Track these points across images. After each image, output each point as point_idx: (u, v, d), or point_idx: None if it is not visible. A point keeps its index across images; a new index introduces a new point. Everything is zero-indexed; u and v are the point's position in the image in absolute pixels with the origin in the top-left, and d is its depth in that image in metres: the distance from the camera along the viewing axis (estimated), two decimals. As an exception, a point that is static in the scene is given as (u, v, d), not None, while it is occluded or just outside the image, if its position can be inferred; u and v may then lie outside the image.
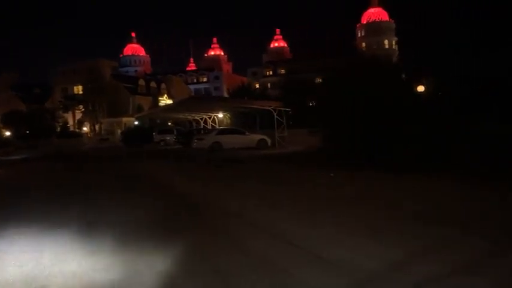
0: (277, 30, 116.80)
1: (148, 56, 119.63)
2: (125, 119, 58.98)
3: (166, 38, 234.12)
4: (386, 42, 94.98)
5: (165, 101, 66.61)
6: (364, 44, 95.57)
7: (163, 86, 75.42)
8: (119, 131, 55.22)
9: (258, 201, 8.25)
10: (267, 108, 24.57)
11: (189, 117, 38.68)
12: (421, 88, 20.57)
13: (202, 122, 36.62)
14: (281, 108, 24.42)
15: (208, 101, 26.39)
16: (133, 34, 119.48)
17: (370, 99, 12.39)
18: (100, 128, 63.47)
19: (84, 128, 65.78)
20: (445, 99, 18.74)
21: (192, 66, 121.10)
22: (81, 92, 66.55)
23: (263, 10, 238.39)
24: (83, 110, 65.53)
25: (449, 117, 13.12)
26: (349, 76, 14.06)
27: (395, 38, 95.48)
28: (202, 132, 30.91)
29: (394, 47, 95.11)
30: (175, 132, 34.41)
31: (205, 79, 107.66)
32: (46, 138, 45.63)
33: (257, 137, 23.87)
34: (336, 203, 7.70)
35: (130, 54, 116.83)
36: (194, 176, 13.40)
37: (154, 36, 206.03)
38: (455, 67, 23.91)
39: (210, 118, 35.26)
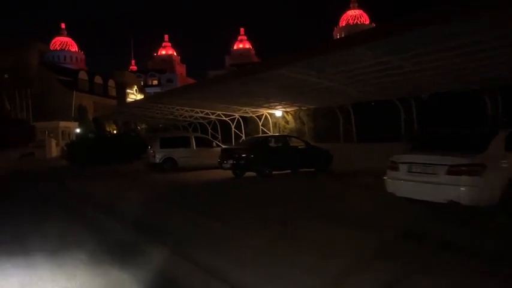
0: (242, 30, 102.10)
1: (82, 52, 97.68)
2: (62, 124, 39.68)
3: (105, 36, 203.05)
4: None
5: (135, 95, 47.90)
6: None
7: (111, 82, 56.30)
8: (55, 142, 36.20)
9: None
10: None
11: (205, 117, 21.60)
12: None
13: (232, 125, 20.15)
14: None
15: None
16: (63, 25, 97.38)
17: None
18: (21, 136, 43.10)
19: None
20: None
21: (133, 67, 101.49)
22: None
23: (224, 9, 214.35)
24: (-6, 110, 44.47)
25: None
26: None
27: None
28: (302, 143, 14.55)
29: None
30: (194, 145, 17.53)
31: (155, 82, 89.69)
32: None
33: None
34: None
35: (59, 48, 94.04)
36: None
37: (90, 32, 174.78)
38: None
39: (260, 118, 18.88)
